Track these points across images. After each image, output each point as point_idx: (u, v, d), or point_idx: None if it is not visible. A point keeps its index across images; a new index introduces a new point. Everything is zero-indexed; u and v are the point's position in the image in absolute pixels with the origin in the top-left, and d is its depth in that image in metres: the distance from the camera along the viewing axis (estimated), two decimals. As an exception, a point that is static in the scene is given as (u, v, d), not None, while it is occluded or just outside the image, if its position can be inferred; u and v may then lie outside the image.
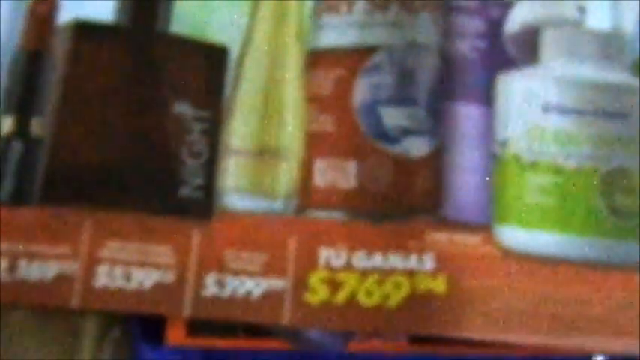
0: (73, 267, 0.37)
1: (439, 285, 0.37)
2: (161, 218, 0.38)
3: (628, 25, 0.40)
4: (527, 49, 0.40)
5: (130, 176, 0.39)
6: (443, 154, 0.39)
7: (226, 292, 0.37)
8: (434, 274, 0.37)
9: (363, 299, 0.37)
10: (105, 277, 0.37)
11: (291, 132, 0.40)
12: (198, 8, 0.42)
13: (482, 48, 0.40)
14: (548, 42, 0.40)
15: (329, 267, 0.38)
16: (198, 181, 0.39)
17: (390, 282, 0.37)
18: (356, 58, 0.41)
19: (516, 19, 0.41)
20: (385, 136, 0.40)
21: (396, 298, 0.37)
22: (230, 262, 0.38)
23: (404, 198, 0.39)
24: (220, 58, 0.41)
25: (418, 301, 0.37)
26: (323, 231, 0.38)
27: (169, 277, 0.37)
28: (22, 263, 0.37)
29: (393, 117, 0.40)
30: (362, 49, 0.41)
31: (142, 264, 0.38)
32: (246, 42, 0.41)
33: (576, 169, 0.38)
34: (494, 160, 0.39)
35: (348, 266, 0.38)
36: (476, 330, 0.36)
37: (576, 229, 0.37)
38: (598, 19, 0.40)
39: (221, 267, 0.38)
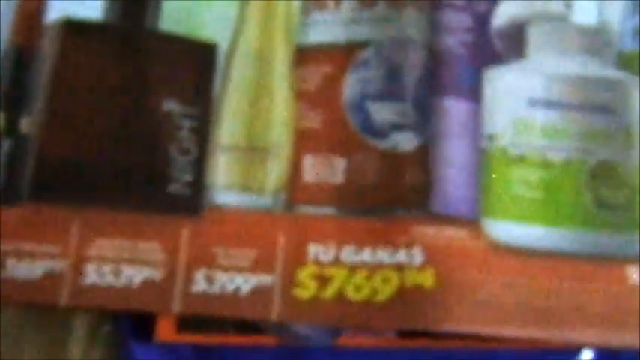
0: (61, 265, 0.37)
1: (427, 279, 0.37)
2: (150, 215, 0.38)
3: (613, 20, 0.41)
4: (514, 44, 0.40)
5: (118, 173, 0.39)
6: (431, 148, 0.39)
7: (215, 288, 0.37)
8: (422, 268, 0.37)
9: (351, 294, 0.37)
10: (94, 274, 0.37)
11: (279, 128, 0.40)
12: (187, 6, 0.42)
13: (469, 43, 0.40)
14: (535, 37, 0.40)
15: (318, 262, 0.38)
16: (187, 177, 0.39)
17: (379, 277, 0.37)
18: (344, 54, 0.41)
19: (503, 15, 0.41)
20: (373, 131, 0.40)
21: (384, 293, 0.37)
22: (219, 258, 0.38)
23: (392, 193, 0.39)
24: (209, 55, 0.41)
25: (406, 295, 0.37)
26: (312, 227, 0.38)
27: (158, 273, 0.37)
28: (11, 261, 0.37)
29: (381, 112, 0.40)
30: (350, 46, 0.41)
31: (131, 261, 0.38)
32: (235, 39, 0.41)
33: (563, 162, 0.38)
34: (482, 154, 0.39)
35: (337, 261, 0.38)
36: (464, 323, 0.36)
37: (563, 222, 0.38)
38: (584, 15, 0.41)
39: (210, 263, 0.38)
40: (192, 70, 0.41)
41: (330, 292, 0.37)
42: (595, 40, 0.40)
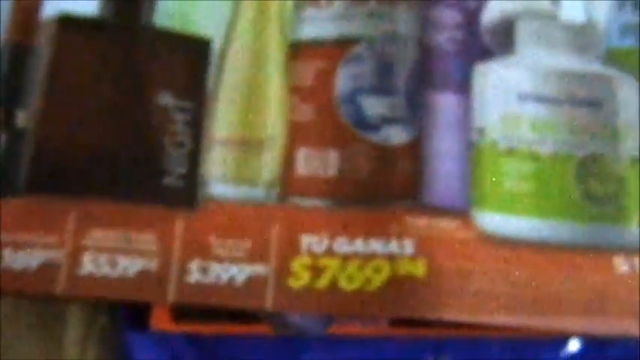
0: (58, 255, 0.38)
1: (419, 269, 0.37)
2: (145, 207, 0.39)
3: (600, 17, 0.41)
4: (504, 39, 0.41)
5: (113, 166, 0.39)
6: (422, 141, 0.40)
7: (210, 278, 0.38)
8: (414, 258, 0.38)
9: (344, 284, 0.38)
10: (90, 264, 0.38)
11: (273, 121, 0.41)
12: (181, 3, 0.42)
13: (459, 39, 0.41)
14: (524, 33, 0.41)
15: (311, 253, 0.38)
16: (181, 170, 0.40)
17: (371, 267, 0.38)
18: (336, 49, 0.41)
19: (493, 11, 0.41)
20: (365, 124, 0.40)
21: (376, 283, 0.37)
22: (213, 249, 0.38)
23: (384, 185, 0.39)
24: (203, 50, 0.42)
25: (398, 285, 0.37)
26: (305, 218, 0.39)
27: (153, 264, 0.38)
28: (7, 252, 0.38)
29: (373, 106, 0.40)
30: (342, 41, 0.42)
31: (127, 252, 0.38)
32: (229, 34, 0.42)
33: (552, 155, 0.39)
34: (472, 147, 0.40)
35: (330, 252, 0.38)
36: (455, 313, 0.37)
37: (552, 213, 0.38)
38: (572, 11, 0.41)
39: (205, 254, 0.38)
40: (186, 65, 0.41)
41: (323, 282, 0.38)
42: (583, 37, 0.41)
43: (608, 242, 0.38)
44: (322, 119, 0.41)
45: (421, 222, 0.38)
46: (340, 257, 0.38)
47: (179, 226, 0.39)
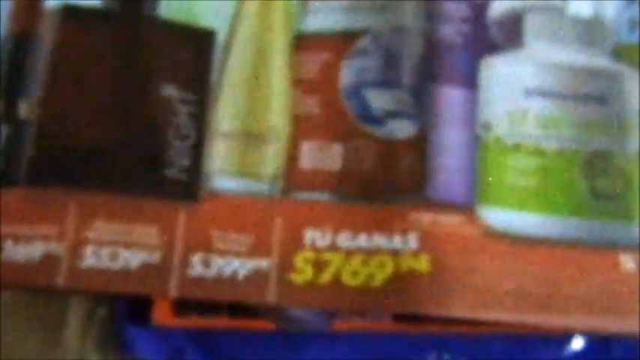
0: (59, 248, 0.37)
1: (423, 265, 0.37)
2: (147, 199, 0.39)
3: (609, 11, 0.41)
4: (511, 33, 0.41)
5: (116, 158, 0.39)
6: (427, 135, 0.40)
7: (212, 272, 0.38)
8: (417, 253, 0.37)
9: (347, 279, 0.37)
10: (91, 257, 0.37)
11: (277, 114, 0.41)
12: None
13: (466, 32, 0.41)
14: (531, 27, 0.41)
15: (314, 247, 0.38)
16: (185, 162, 0.40)
17: (375, 262, 0.37)
18: (342, 41, 0.41)
19: (500, 4, 0.41)
20: (370, 118, 0.40)
21: (380, 278, 0.37)
22: (216, 242, 0.38)
23: (388, 179, 0.39)
24: (208, 41, 0.41)
25: (402, 280, 0.37)
26: (308, 212, 0.39)
27: (155, 257, 0.38)
28: (8, 244, 0.38)
29: (378, 99, 0.40)
30: (348, 34, 0.41)
31: (128, 244, 0.38)
32: (234, 25, 0.42)
33: (557, 151, 0.39)
34: (478, 142, 0.39)
35: (333, 246, 0.38)
36: (459, 309, 0.37)
37: (557, 210, 0.38)
38: (580, 5, 0.41)
39: (207, 247, 0.38)
40: (190, 57, 0.41)
41: (326, 277, 0.37)
42: (591, 31, 0.41)
43: (614, 239, 0.38)
44: (327, 112, 0.40)
45: (425, 217, 0.38)
46: (344, 252, 0.38)
47: (181, 219, 0.38)
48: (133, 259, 0.38)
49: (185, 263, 0.38)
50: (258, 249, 0.38)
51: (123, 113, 0.40)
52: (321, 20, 0.42)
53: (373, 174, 0.39)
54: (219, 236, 0.38)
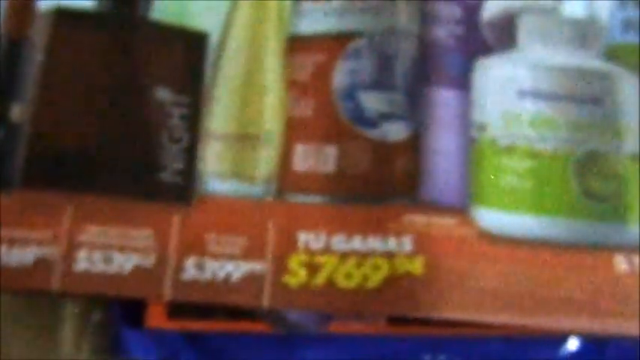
0: (53, 251, 0.37)
1: (417, 267, 0.37)
2: (141, 202, 0.39)
3: (602, 13, 0.41)
4: (504, 35, 0.41)
5: (109, 161, 0.39)
6: (421, 137, 0.40)
7: (206, 275, 0.38)
8: (412, 256, 0.37)
9: (341, 281, 0.37)
10: (85, 261, 0.37)
11: (271, 117, 0.41)
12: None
13: (459, 34, 0.41)
14: (525, 28, 0.40)
15: (308, 250, 0.38)
16: (178, 165, 0.39)
17: (369, 264, 0.37)
18: (335, 43, 0.41)
19: (493, 6, 0.41)
20: (364, 120, 0.40)
21: (374, 280, 0.37)
22: (210, 245, 0.38)
23: (382, 181, 0.39)
24: (200, 44, 0.41)
25: (396, 282, 0.37)
26: (302, 214, 0.39)
27: (149, 260, 0.38)
28: (2, 248, 0.37)
29: (371, 102, 0.40)
30: (341, 36, 0.41)
31: (122, 248, 0.38)
32: (227, 27, 0.42)
33: (551, 152, 0.38)
34: (472, 144, 0.39)
35: (327, 249, 0.38)
36: (453, 311, 0.37)
37: (551, 211, 0.38)
38: (573, 7, 0.41)
39: (201, 250, 0.38)
40: (183, 59, 0.41)
41: (320, 279, 0.37)
42: (584, 32, 0.41)
43: (608, 240, 0.38)
44: (320, 115, 0.40)
45: (420, 219, 0.38)
46: (338, 254, 0.38)
47: (175, 222, 0.38)
48: (126, 262, 0.37)
49: (179, 266, 0.38)
50: (252, 252, 0.38)
51: (116, 116, 0.40)
52: (314, 22, 0.42)
53: (367, 176, 0.39)
54: (213, 239, 0.38)
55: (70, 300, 0.42)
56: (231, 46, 0.41)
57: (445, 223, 0.38)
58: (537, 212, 0.38)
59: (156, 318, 0.39)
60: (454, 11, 0.41)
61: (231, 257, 0.38)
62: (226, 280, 0.37)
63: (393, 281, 0.37)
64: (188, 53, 0.41)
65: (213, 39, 0.41)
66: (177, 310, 0.39)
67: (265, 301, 0.37)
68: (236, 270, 0.38)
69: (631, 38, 0.41)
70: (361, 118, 0.40)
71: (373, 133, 0.40)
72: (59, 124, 0.39)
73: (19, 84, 0.40)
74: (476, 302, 0.37)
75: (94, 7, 0.41)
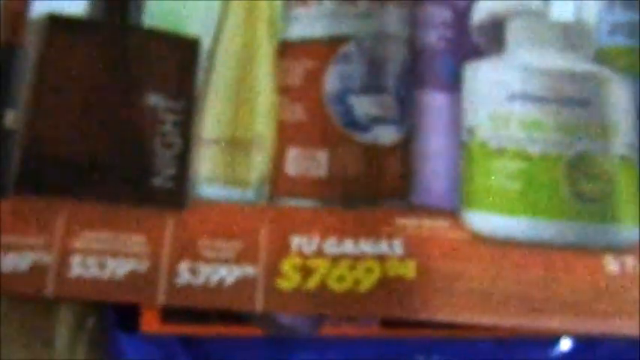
0: (47, 257, 0.38)
1: (409, 270, 0.37)
2: (134, 208, 0.39)
3: (591, 16, 0.41)
4: (493, 38, 0.41)
5: (103, 167, 0.39)
6: (412, 141, 0.40)
7: (200, 279, 0.38)
8: (404, 259, 0.38)
9: (334, 285, 0.38)
10: (79, 266, 0.38)
11: (262, 121, 0.41)
12: (170, 3, 0.42)
13: (449, 37, 0.41)
14: (514, 32, 0.41)
15: (301, 254, 0.38)
16: (171, 171, 0.40)
17: (361, 267, 0.38)
18: (326, 48, 0.41)
19: (482, 10, 0.41)
20: (355, 124, 0.40)
21: (366, 283, 0.37)
22: (203, 250, 0.38)
23: (374, 185, 0.39)
24: (192, 50, 0.42)
25: (389, 285, 0.37)
26: (295, 219, 0.39)
27: (143, 266, 0.38)
28: (-2, 255, 0.38)
29: (362, 106, 0.40)
30: (332, 40, 0.41)
31: (116, 253, 0.38)
32: (218, 33, 0.42)
33: (541, 155, 0.39)
34: (462, 147, 0.40)
35: (320, 253, 0.38)
36: (445, 313, 0.37)
37: (542, 213, 0.38)
38: (562, 10, 0.41)
39: (194, 255, 0.38)
40: (175, 65, 0.41)
41: (313, 283, 0.38)
42: (573, 36, 0.41)
43: (598, 242, 0.38)
44: (311, 119, 0.41)
45: (411, 222, 0.38)
46: (330, 258, 0.38)
47: (168, 227, 0.38)
48: (120, 267, 0.38)
49: (172, 271, 0.38)
50: (244, 256, 0.38)
51: (109, 122, 0.40)
52: (305, 27, 0.42)
53: (359, 180, 0.40)
54: (206, 244, 0.38)
55: (65, 305, 0.42)
56: (222, 52, 0.42)
57: (436, 225, 0.38)
58: (528, 214, 0.38)
59: (150, 323, 0.39)
60: (444, 15, 0.41)
61: (225, 262, 0.38)
62: (220, 284, 0.38)
63: (385, 284, 0.37)
64: (180, 59, 0.41)
65: (205, 44, 0.42)
66: (171, 314, 0.39)
67: (258, 305, 0.37)
68: (229, 274, 0.38)
69: (619, 41, 0.41)
70: (352, 122, 0.40)
71: (364, 137, 0.40)
72: (52, 131, 0.39)
73: (12, 91, 0.40)
74: (468, 304, 0.37)
75: (86, 14, 0.41)
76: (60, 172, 0.39)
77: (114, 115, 0.40)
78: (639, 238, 0.38)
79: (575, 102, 0.39)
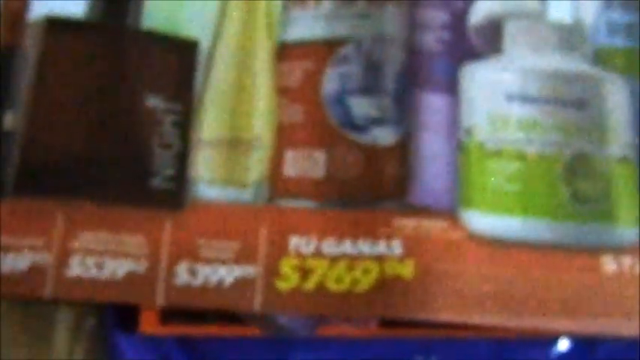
0: (46, 258, 0.38)
1: (407, 270, 0.38)
2: (133, 209, 0.39)
3: (588, 17, 0.42)
4: (491, 40, 0.41)
5: (101, 168, 0.39)
6: (410, 142, 0.40)
7: (198, 280, 0.38)
8: (402, 259, 0.38)
9: (332, 285, 0.38)
10: (78, 267, 0.38)
11: (261, 123, 0.41)
12: (170, 3, 0.42)
13: (447, 39, 0.41)
14: (511, 33, 0.41)
15: (299, 254, 0.38)
16: (169, 171, 0.40)
17: (359, 268, 0.38)
18: (324, 50, 0.41)
19: (480, 11, 0.41)
20: (353, 125, 0.40)
21: (365, 284, 0.37)
22: (202, 250, 0.38)
23: (372, 186, 0.40)
24: (191, 51, 0.42)
25: (387, 286, 0.37)
26: (293, 219, 0.39)
27: (142, 266, 0.38)
28: (-3, 255, 0.38)
29: (360, 107, 0.40)
30: (330, 42, 0.42)
31: (115, 254, 0.38)
32: (217, 35, 0.42)
33: (539, 155, 0.39)
34: (460, 148, 0.40)
35: (318, 253, 0.38)
36: (443, 313, 0.37)
37: (539, 213, 0.38)
38: (559, 11, 0.41)
39: (193, 256, 0.38)
40: (174, 67, 0.41)
41: (311, 283, 0.38)
42: (570, 37, 0.41)
43: (596, 242, 0.38)
44: (310, 120, 0.41)
45: (409, 223, 0.38)
46: (328, 258, 0.38)
47: (167, 228, 0.39)
48: (119, 268, 0.38)
49: (171, 272, 0.38)
50: (243, 256, 0.38)
51: (108, 124, 0.40)
52: (303, 28, 0.42)
53: (357, 181, 0.40)
54: (205, 244, 0.38)
55: (64, 305, 0.42)
56: (221, 53, 0.42)
57: (435, 226, 0.38)
58: (525, 214, 0.38)
59: (149, 323, 0.39)
60: (442, 17, 0.41)
61: (223, 262, 0.38)
62: (218, 285, 0.38)
63: (383, 284, 0.37)
64: (179, 61, 0.41)
65: (204, 46, 0.42)
66: (170, 314, 0.39)
67: (257, 306, 0.37)
68: (228, 275, 0.38)
69: (616, 42, 0.41)
70: (350, 123, 0.40)
71: (362, 138, 0.40)
72: (51, 132, 0.39)
73: (11, 92, 0.40)
74: (466, 304, 0.37)
75: (85, 16, 0.42)
76: (59, 173, 0.39)
77: (113, 117, 0.40)
78: (637, 238, 0.38)
79: (572, 103, 0.39)
